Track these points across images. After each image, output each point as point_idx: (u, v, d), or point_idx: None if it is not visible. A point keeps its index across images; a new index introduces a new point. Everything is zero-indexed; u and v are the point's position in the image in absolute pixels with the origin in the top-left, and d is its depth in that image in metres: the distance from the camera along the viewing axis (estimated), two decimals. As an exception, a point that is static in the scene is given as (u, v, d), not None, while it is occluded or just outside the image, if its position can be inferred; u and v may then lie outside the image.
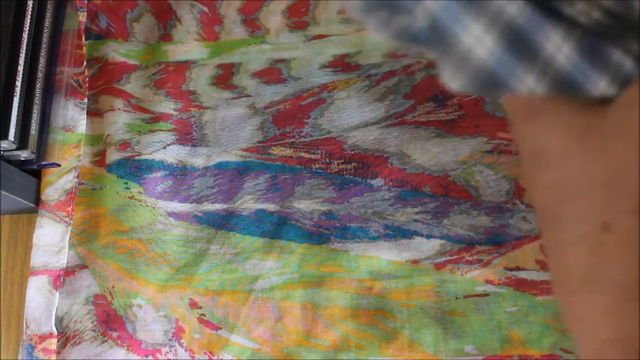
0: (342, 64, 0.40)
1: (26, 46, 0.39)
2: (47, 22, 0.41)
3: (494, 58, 0.20)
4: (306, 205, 0.37)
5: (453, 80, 0.21)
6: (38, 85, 0.40)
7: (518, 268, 0.34)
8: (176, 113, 0.41)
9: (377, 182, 0.37)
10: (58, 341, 0.38)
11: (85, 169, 0.41)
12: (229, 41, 0.41)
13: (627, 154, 0.20)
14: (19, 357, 0.37)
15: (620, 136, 0.20)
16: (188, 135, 0.40)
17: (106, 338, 0.37)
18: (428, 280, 0.35)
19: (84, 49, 0.42)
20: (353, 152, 0.38)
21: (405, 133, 0.37)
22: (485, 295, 0.34)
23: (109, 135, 0.41)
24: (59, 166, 0.40)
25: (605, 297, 0.20)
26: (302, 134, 0.39)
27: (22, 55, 0.39)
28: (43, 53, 0.40)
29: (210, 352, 0.36)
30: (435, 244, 0.36)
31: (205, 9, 0.42)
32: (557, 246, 0.22)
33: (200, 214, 0.39)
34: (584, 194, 0.21)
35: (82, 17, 0.42)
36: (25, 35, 0.39)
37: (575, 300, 0.21)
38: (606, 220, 0.20)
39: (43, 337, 0.37)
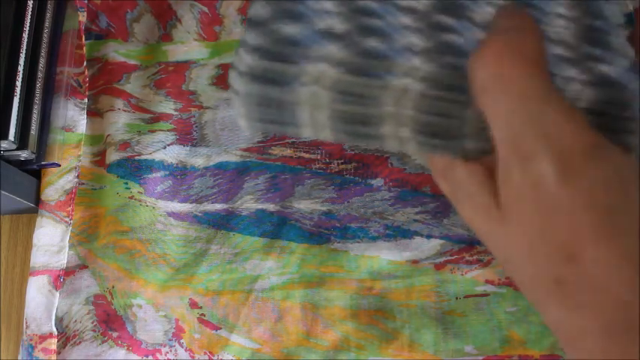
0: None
1: (26, 46, 0.39)
2: (47, 22, 0.41)
3: None
4: (306, 205, 0.37)
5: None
6: (38, 85, 0.40)
7: (518, 268, 0.34)
8: (176, 113, 0.41)
9: (377, 182, 0.37)
10: (58, 341, 0.38)
11: (85, 169, 0.41)
12: (229, 41, 0.41)
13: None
14: (19, 357, 0.37)
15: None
16: (188, 135, 0.40)
17: (106, 338, 0.37)
18: (428, 280, 0.35)
19: (84, 49, 0.42)
20: (353, 152, 0.38)
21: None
22: (486, 295, 0.34)
23: (109, 135, 0.41)
24: (59, 166, 0.40)
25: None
26: (302, 134, 0.39)
27: (22, 55, 0.39)
28: (43, 53, 0.40)
29: (210, 352, 0.36)
30: (435, 244, 0.36)
31: (205, 9, 0.42)
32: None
33: (200, 214, 0.39)
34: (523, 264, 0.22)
35: (82, 17, 0.42)
36: (25, 35, 0.39)
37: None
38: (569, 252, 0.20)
39: (43, 337, 0.37)
